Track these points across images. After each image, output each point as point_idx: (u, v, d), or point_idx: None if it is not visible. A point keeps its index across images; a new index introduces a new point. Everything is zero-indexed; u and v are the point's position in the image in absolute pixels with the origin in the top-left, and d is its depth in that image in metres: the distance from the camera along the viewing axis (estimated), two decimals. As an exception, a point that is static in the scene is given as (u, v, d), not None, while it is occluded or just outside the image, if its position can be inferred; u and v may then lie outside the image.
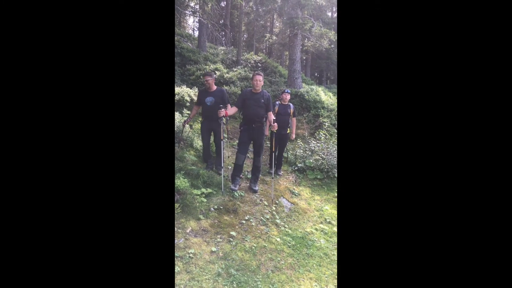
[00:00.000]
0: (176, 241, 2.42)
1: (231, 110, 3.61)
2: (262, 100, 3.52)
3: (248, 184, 3.83)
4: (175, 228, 2.56)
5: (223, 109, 3.49)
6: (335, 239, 3.10)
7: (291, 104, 4.50)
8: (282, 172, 4.59)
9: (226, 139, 4.13)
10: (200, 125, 4.33)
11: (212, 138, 4.08)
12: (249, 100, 3.52)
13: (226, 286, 2.09)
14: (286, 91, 4.45)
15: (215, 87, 3.92)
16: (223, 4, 15.08)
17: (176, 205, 2.74)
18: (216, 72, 8.53)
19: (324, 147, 5.01)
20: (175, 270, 2.11)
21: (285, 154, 5.00)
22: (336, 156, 4.72)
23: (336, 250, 2.88)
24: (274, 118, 3.86)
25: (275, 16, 17.80)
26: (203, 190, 3.24)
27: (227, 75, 8.59)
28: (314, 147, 5.10)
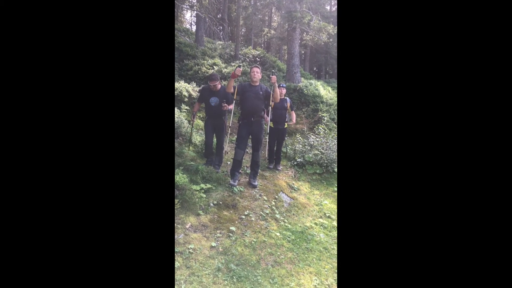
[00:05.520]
0: (176, 236, 2.42)
1: (231, 105, 3.67)
2: (261, 92, 3.51)
3: (247, 180, 3.82)
4: (175, 224, 2.56)
5: (225, 104, 3.56)
6: (334, 233, 3.11)
7: (287, 98, 4.48)
8: (281, 167, 4.59)
9: (227, 137, 4.09)
10: (198, 121, 4.31)
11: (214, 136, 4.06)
12: (248, 93, 3.50)
13: (226, 281, 2.09)
14: (281, 85, 4.43)
15: (220, 86, 3.87)
16: (220, -2, 14.91)
17: (176, 200, 2.74)
18: (214, 67, 8.47)
19: (323, 142, 5.00)
20: (175, 266, 2.11)
21: (284, 149, 4.99)
22: (335, 150, 4.71)
23: (335, 244, 2.89)
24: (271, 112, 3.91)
25: (273, 10, 17.66)
26: (202, 185, 3.23)
27: (225, 70, 8.53)
28: (313, 141, 5.09)
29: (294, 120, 4.61)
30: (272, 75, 3.59)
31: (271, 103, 3.71)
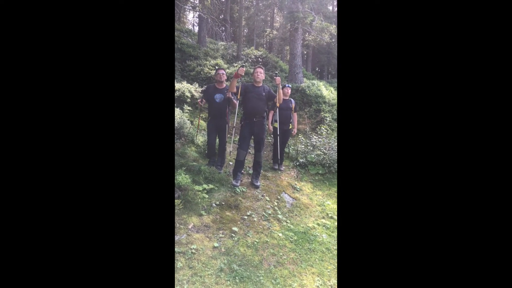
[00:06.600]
0: (178, 237, 2.43)
1: (235, 104, 3.68)
2: (264, 93, 3.51)
3: (249, 180, 3.82)
4: (177, 224, 2.57)
5: (228, 94, 3.59)
6: (337, 234, 3.10)
7: (292, 99, 4.49)
8: (283, 167, 4.58)
9: (229, 137, 4.08)
10: (201, 121, 4.32)
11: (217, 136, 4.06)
12: (250, 93, 3.50)
13: (228, 282, 2.09)
14: (287, 85, 4.44)
15: (224, 85, 3.89)
16: (223, -2, 14.95)
17: (178, 201, 2.74)
18: (216, 67, 8.49)
19: (326, 142, 4.99)
20: (178, 266, 2.11)
21: (286, 150, 4.99)
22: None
23: (338, 245, 2.88)
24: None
25: (275, 10, 17.67)
26: (205, 186, 3.23)
27: (227, 70, 8.55)
28: (316, 142, 5.08)
29: (295, 124, 4.57)
30: (277, 76, 3.56)
31: (277, 104, 3.71)
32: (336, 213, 3.53)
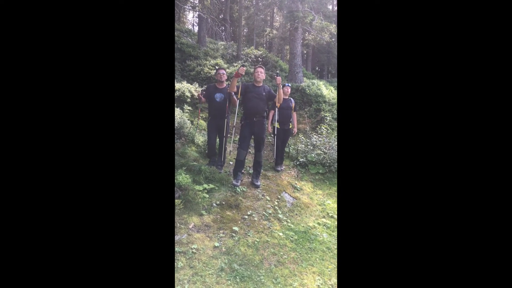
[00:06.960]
0: (179, 236, 2.43)
1: (235, 100, 3.67)
2: (264, 93, 3.51)
3: (250, 180, 3.82)
4: (178, 224, 2.57)
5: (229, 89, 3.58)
6: (337, 233, 3.10)
7: (291, 99, 4.49)
8: (284, 167, 4.58)
9: (231, 137, 4.08)
10: (200, 121, 4.32)
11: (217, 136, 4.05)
12: (251, 93, 3.50)
13: (229, 281, 2.10)
14: (286, 84, 4.44)
15: (225, 84, 3.89)
16: (222, -2, 14.94)
17: (179, 201, 2.75)
18: (216, 67, 8.49)
19: (326, 142, 4.99)
20: (179, 266, 2.12)
21: (286, 149, 4.98)
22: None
23: (338, 244, 2.88)
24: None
25: (275, 9, 17.66)
26: (205, 185, 3.24)
27: (228, 70, 8.54)
28: (316, 141, 5.08)
29: (295, 123, 4.57)
30: (278, 76, 3.54)
31: (277, 105, 3.70)
32: (336, 212, 3.53)
